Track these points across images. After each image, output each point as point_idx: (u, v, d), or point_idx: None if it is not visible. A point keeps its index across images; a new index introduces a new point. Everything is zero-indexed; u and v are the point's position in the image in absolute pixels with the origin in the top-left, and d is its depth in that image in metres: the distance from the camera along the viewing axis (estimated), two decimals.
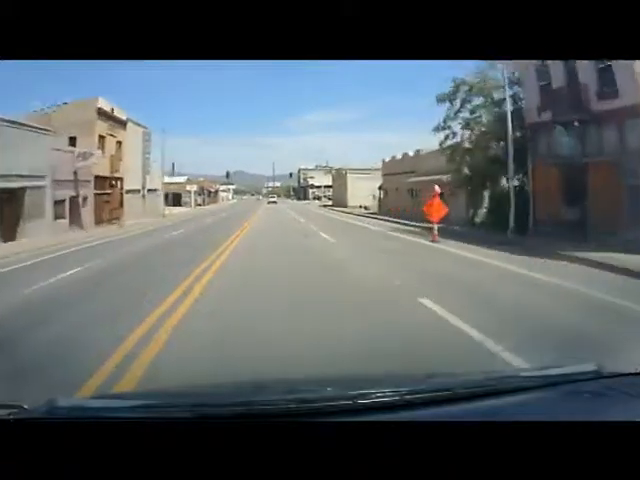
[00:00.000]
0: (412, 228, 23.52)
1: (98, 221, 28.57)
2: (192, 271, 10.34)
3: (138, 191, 37.97)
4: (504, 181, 21.28)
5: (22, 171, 19.95)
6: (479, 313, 6.64)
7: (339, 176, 65.43)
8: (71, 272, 10.75)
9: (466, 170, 22.90)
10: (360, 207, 49.07)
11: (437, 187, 18.63)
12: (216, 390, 2.11)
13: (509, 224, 18.03)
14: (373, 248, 15.61)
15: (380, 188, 43.88)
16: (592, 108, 15.39)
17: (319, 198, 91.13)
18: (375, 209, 43.64)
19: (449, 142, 23.25)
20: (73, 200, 25.64)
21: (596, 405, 1.67)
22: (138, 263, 12.80)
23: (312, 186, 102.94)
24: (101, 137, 30.43)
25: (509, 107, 18.55)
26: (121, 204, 34.05)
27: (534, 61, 17.11)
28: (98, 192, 29.45)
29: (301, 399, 1.63)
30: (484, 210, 23.35)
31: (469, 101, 21.87)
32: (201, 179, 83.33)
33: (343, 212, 44.21)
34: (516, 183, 19.79)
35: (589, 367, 1.85)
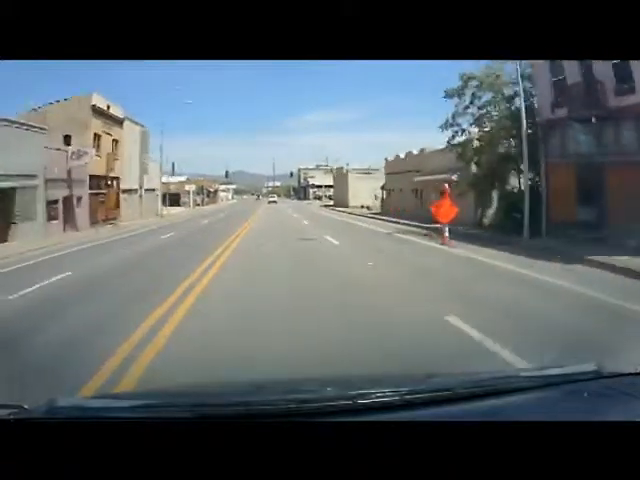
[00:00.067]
0: (419, 229, 22.52)
1: (93, 222, 27.83)
2: (180, 283, 9.03)
3: (135, 191, 37.37)
4: (515, 180, 20.64)
5: (13, 171, 19.28)
6: (541, 346, 4.89)
7: (340, 176, 64.75)
8: (52, 280, 9.83)
9: (475, 168, 22.06)
10: (362, 207, 48.41)
11: (447, 186, 17.70)
12: (216, 390, 2.11)
13: (523, 226, 16.86)
14: (383, 253, 14.39)
15: (383, 188, 43.19)
16: (609, 104, 14.63)
17: (320, 198, 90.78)
18: (377, 209, 42.84)
19: (458, 139, 22.23)
20: (67, 200, 24.99)
21: (596, 405, 1.67)
22: (123, 271, 11.52)
23: (312, 186, 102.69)
24: (96, 135, 29.71)
25: (522, 102, 17.66)
26: (117, 204, 33.41)
27: None
28: (93, 192, 28.81)
29: (301, 399, 1.63)
30: (494, 210, 22.31)
31: (479, 97, 20.87)
32: (200, 179, 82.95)
33: (345, 212, 43.48)
34: (528, 182, 18.95)
35: (589, 367, 1.85)
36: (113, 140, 32.74)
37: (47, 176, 22.54)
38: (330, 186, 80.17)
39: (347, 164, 68.14)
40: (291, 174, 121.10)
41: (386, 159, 43.19)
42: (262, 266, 11.80)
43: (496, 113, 20.64)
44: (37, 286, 9.19)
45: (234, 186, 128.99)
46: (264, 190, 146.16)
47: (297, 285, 9.19)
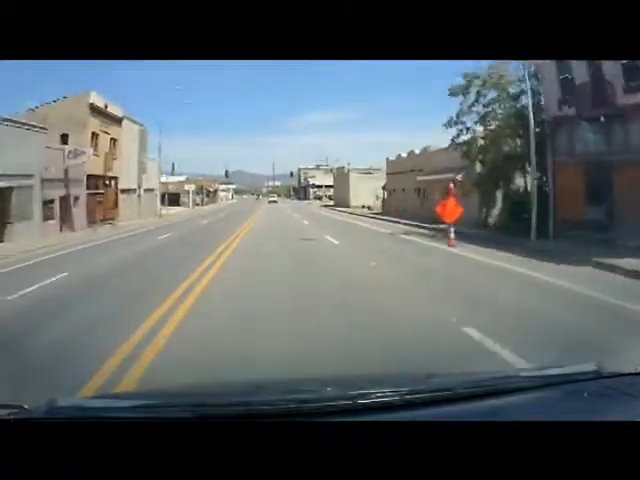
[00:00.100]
0: (422, 230, 22.11)
1: (91, 222, 27.40)
2: (178, 285, 8.81)
3: (134, 191, 36.93)
4: (520, 180, 20.28)
5: (9, 170, 18.96)
6: (543, 347, 4.73)
7: (341, 175, 64.18)
8: (40, 285, 9.37)
9: (479, 167, 21.59)
10: (363, 207, 47.93)
11: (452, 185, 17.22)
12: (216, 390, 2.11)
13: (531, 226, 16.38)
14: (387, 255, 13.94)
15: (384, 188, 42.66)
16: (618, 102, 14.23)
17: (320, 198, 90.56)
18: (379, 209, 42.27)
19: (463, 137, 21.68)
20: (64, 200, 24.62)
21: (596, 405, 1.67)
22: (120, 272, 11.26)
23: (313, 185, 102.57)
24: (94, 134, 29.31)
25: (530, 100, 17.22)
26: (115, 204, 32.96)
27: None
28: (91, 192, 28.43)
29: (301, 399, 1.63)
30: (498, 211, 21.81)
31: (483, 95, 20.31)
32: (200, 179, 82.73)
33: (346, 212, 43.03)
34: (535, 182, 18.40)
35: (589, 367, 1.85)
36: (111, 139, 32.36)
37: (44, 175, 22.25)
38: (330, 186, 79.88)
39: (349, 164, 67.75)
40: (291, 174, 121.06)
41: (387, 159, 42.64)
42: (262, 266, 11.79)
43: (501, 111, 20.17)
44: (36, 286, 9.15)
45: (234, 186, 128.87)
46: (264, 190, 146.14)
47: (297, 285, 9.13)
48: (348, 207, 50.23)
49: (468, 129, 21.33)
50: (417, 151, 34.39)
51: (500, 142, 19.96)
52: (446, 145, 28.08)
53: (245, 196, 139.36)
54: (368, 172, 56.21)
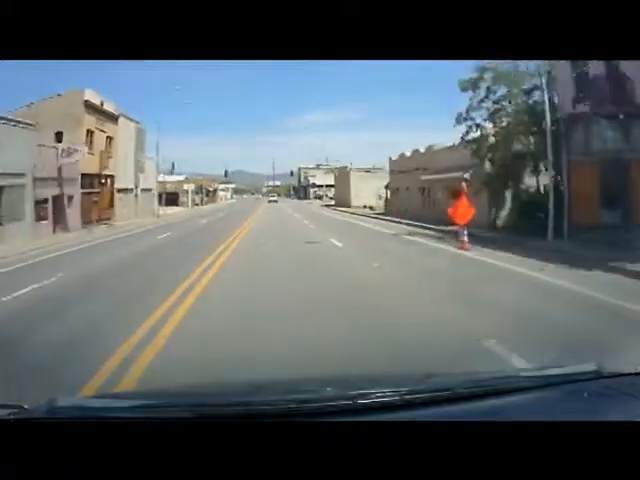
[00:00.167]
0: (429, 231, 21.24)
1: (86, 222, 26.48)
2: (174, 290, 8.34)
3: (131, 190, 36.07)
4: (531, 179, 19.61)
5: None
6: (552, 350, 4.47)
7: (342, 175, 63.30)
8: (33, 287, 9.12)
9: (489, 166, 20.67)
10: (364, 207, 47.07)
11: (465, 185, 16.34)
12: (216, 390, 2.11)
13: (547, 228, 15.68)
14: (394, 258, 13.20)
15: (387, 187, 41.73)
16: (636, 99, 13.62)
17: (320, 197, 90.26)
18: (381, 209, 41.35)
19: (472, 135, 20.67)
20: (57, 200, 23.74)
21: (596, 405, 1.67)
22: (114, 274, 10.89)
23: (313, 185, 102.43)
24: (89, 132, 28.54)
25: (546, 96, 16.51)
26: (111, 204, 32.12)
27: None
28: (86, 191, 27.64)
29: (301, 399, 1.64)
30: (510, 211, 20.85)
31: (494, 92, 19.35)
32: (199, 178, 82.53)
33: (347, 212, 42.25)
34: (547, 182, 17.90)
35: (589, 367, 1.85)
36: (107, 137, 31.52)
37: (36, 174, 21.46)
38: (331, 185, 79.52)
39: (350, 163, 67.25)
40: (291, 173, 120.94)
41: (390, 158, 41.49)
42: (262, 266, 11.77)
43: (513, 107, 19.22)
44: (29, 288, 9.04)
45: (233, 185, 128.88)
46: (264, 189, 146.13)
47: (298, 288, 8.94)
48: (349, 207, 49.49)
49: (478, 126, 20.38)
50: (422, 149, 33.42)
51: (512, 140, 19.05)
52: (448, 144, 27.36)
53: (245, 196, 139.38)
54: (370, 171, 55.47)
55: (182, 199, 63.08)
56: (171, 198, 58.74)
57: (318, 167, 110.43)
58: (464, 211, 15.36)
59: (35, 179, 21.47)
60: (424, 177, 29.99)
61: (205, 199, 76.59)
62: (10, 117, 21.10)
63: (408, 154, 36.53)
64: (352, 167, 61.69)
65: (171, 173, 67.19)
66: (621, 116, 14.14)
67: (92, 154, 28.42)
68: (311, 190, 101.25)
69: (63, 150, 24.38)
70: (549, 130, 16.09)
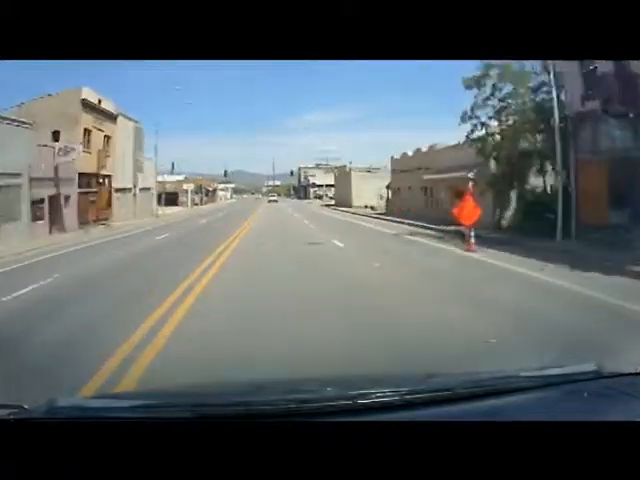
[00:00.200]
0: (432, 232, 20.74)
1: (83, 222, 26.10)
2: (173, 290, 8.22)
3: (129, 190, 35.73)
4: (536, 179, 19.24)
5: None
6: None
7: (343, 174, 62.70)
8: (33, 287, 9.11)
9: (493, 166, 20.21)
10: (365, 207, 46.46)
11: (471, 185, 15.81)
12: (216, 390, 2.11)
13: (557, 228, 15.25)
14: (395, 259, 12.87)
15: (388, 187, 41.21)
16: None
17: (320, 197, 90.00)
18: (382, 209, 40.92)
19: (477, 133, 20.11)
20: (53, 200, 23.34)
21: (596, 405, 1.67)
22: (111, 275, 10.77)
23: (313, 185, 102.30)
24: (86, 131, 28.16)
25: (555, 93, 15.95)
26: (109, 204, 31.72)
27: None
28: (83, 191, 27.22)
29: (301, 399, 1.64)
30: (515, 211, 20.35)
31: (499, 89, 18.83)
32: (199, 178, 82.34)
33: (348, 212, 41.68)
34: (553, 181, 17.63)
35: (589, 367, 1.85)
36: (105, 136, 31.14)
37: (32, 174, 21.10)
38: (331, 185, 79.21)
39: (350, 162, 66.71)
40: (291, 173, 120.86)
41: (392, 157, 40.85)
42: (262, 265, 11.76)
43: (519, 105, 18.60)
44: (30, 288, 9.03)
45: (233, 185, 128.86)
46: (264, 189, 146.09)
47: (299, 289, 8.85)
48: (350, 207, 49.00)
49: (483, 124, 19.84)
50: (424, 149, 33.02)
51: (518, 138, 18.53)
52: (450, 143, 27.18)
53: (245, 195, 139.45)
54: (371, 171, 54.97)
55: (181, 199, 62.79)
56: (170, 198, 58.44)
57: (318, 167, 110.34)
58: (470, 211, 14.86)
59: (31, 179, 21.15)
60: (426, 177, 29.50)
61: (204, 199, 76.29)
62: (5, 116, 20.88)
63: (410, 153, 36.08)
64: (352, 167, 61.04)
65: (171, 173, 67.10)
66: (631, 115, 13.82)
67: (89, 153, 28.12)
68: (311, 190, 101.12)
69: (60, 149, 24.07)
70: (557, 128, 15.67)
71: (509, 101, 18.95)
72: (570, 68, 16.13)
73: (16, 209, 20.27)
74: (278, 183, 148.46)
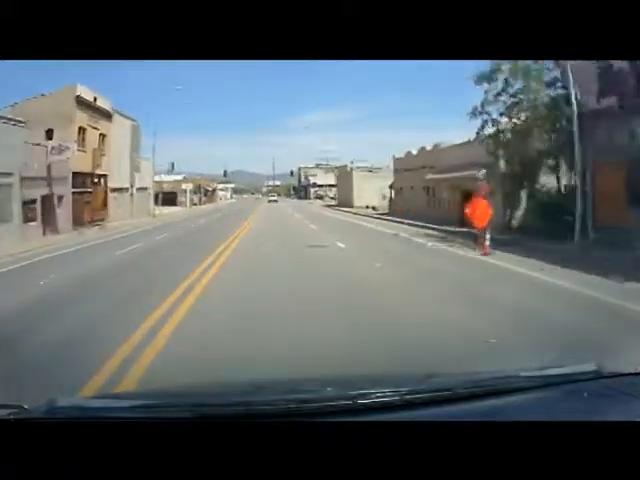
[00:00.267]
0: (439, 233, 19.92)
1: (77, 223, 25.37)
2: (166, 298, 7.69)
3: (126, 189, 35.10)
4: (547, 178, 18.46)
5: None
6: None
7: (344, 174, 61.78)
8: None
9: (504, 164, 19.37)
10: (367, 207, 45.55)
11: (484, 184, 15.13)
12: (216, 390, 2.11)
13: (574, 230, 14.48)
14: (410, 266, 11.60)
15: (391, 187, 40.41)
16: None
17: (321, 197, 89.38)
18: (384, 209, 40.02)
19: (487, 130, 19.14)
20: (46, 200, 22.62)
21: (596, 405, 1.67)
22: (111, 275, 10.63)
23: (314, 185, 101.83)
24: (81, 129, 27.54)
25: (571, 87, 15.10)
26: (105, 204, 31.09)
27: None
28: (77, 190, 26.47)
29: (301, 399, 1.64)
30: (526, 212, 19.47)
31: (511, 85, 17.91)
32: (198, 177, 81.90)
33: (350, 213, 40.71)
34: (566, 181, 16.97)
35: (589, 367, 1.85)
36: (100, 135, 30.45)
37: (24, 173, 20.40)
38: (332, 185, 78.84)
39: (352, 162, 66.02)
40: (291, 173, 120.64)
41: (394, 156, 40.01)
42: (262, 267, 11.75)
43: (531, 100, 17.61)
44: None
45: (233, 185, 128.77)
46: (264, 189, 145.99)
47: (299, 289, 8.78)
48: (352, 207, 48.22)
49: (494, 121, 18.86)
50: (429, 147, 31.93)
51: (531, 135, 17.66)
52: (452, 142, 26.69)
53: (245, 195, 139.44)
54: (372, 171, 54.26)
55: (180, 199, 62.43)
56: (169, 198, 58.07)
57: (318, 167, 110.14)
58: (482, 212, 13.95)
59: (23, 178, 20.49)
60: (431, 176, 28.49)
61: (204, 199, 75.78)
62: None
63: (414, 152, 35.06)
64: (354, 166, 60.30)
65: (171, 173, 66.89)
66: None
67: (84, 152, 27.45)
68: (311, 190, 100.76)
69: (53, 148, 23.41)
70: (576, 123, 14.81)
71: (521, 97, 18.00)
72: (584, 63, 14.85)
73: (7, 210, 19.66)
74: (278, 183, 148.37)
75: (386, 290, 8.63)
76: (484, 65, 17.89)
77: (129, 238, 20.80)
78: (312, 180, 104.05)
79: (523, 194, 19.74)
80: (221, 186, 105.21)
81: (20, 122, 21.47)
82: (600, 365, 1.85)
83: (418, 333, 5.81)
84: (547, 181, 18.84)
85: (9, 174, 19.57)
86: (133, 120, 37.53)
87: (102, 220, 29.39)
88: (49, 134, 24.64)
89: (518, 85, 17.94)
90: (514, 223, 19.79)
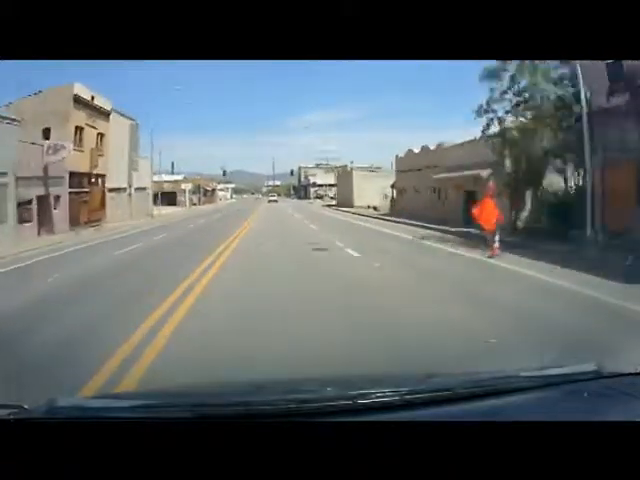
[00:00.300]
0: (444, 234, 19.30)
1: (74, 224, 24.93)
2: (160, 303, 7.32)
3: (124, 189, 34.57)
4: (554, 178, 17.96)
5: None
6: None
7: (344, 174, 61.52)
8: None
9: (510, 164, 18.67)
10: (368, 207, 44.82)
11: (492, 184, 14.47)
12: (216, 390, 2.11)
13: (585, 232, 13.92)
14: (423, 273, 10.75)
15: (393, 186, 39.84)
16: None
17: (321, 197, 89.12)
18: (386, 210, 39.34)
19: (493, 129, 18.46)
20: (42, 200, 22.22)
21: (596, 405, 1.67)
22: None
23: (314, 185, 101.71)
24: (78, 128, 27.06)
25: (581, 84, 14.65)
26: (102, 204, 30.54)
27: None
28: (74, 190, 26.03)
29: (301, 399, 1.64)
30: (532, 212, 19.05)
31: (518, 82, 17.33)
32: (197, 177, 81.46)
33: (350, 213, 40.32)
34: (574, 181, 16.54)
35: (589, 367, 1.85)
36: (98, 134, 29.99)
37: (19, 173, 19.92)
38: (332, 185, 78.69)
39: (352, 162, 65.79)
40: (291, 172, 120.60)
41: (397, 155, 39.36)
42: (262, 268, 11.74)
43: (539, 98, 16.99)
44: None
45: (233, 185, 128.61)
46: (264, 189, 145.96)
47: (299, 289, 8.75)
48: (352, 207, 47.66)
49: (500, 119, 18.20)
50: (432, 146, 31.38)
51: (541, 134, 16.96)
52: (454, 142, 26.28)
53: (245, 195, 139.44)
54: (373, 170, 53.94)
55: (179, 199, 62.01)
56: (168, 198, 57.71)
57: (318, 166, 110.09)
58: (490, 213, 13.46)
59: (18, 178, 20.03)
60: (436, 176, 27.77)
61: (203, 199, 75.22)
62: None
63: (416, 151, 34.46)
64: (354, 166, 60.14)
65: (171, 173, 66.70)
66: None
67: (81, 151, 27.04)
68: (312, 190, 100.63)
69: (49, 147, 22.96)
70: (585, 121, 14.36)
71: (526, 95, 17.40)
72: (594, 61, 14.50)
73: (2, 211, 19.27)
74: (278, 183, 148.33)
75: (386, 290, 8.64)
76: (489, 62, 17.25)
77: (127, 239, 20.42)
78: (312, 180, 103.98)
79: (529, 194, 19.20)
80: (221, 186, 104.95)
81: (14, 120, 20.94)
82: (600, 365, 1.85)
83: (421, 333, 5.80)
84: (553, 181, 18.40)
85: (3, 174, 19.27)
86: (131, 119, 36.99)
87: (99, 221, 28.86)
88: (46, 133, 24.22)
89: (525, 82, 17.31)
90: (519, 224, 19.12)
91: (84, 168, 27.74)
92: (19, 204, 20.37)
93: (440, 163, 28.17)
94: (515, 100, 17.76)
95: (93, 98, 29.13)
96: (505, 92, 17.70)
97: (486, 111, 18.26)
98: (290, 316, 6.63)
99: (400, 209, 34.27)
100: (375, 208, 43.78)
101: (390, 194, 41.72)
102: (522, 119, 17.89)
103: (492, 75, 17.62)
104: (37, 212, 21.93)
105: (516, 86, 17.50)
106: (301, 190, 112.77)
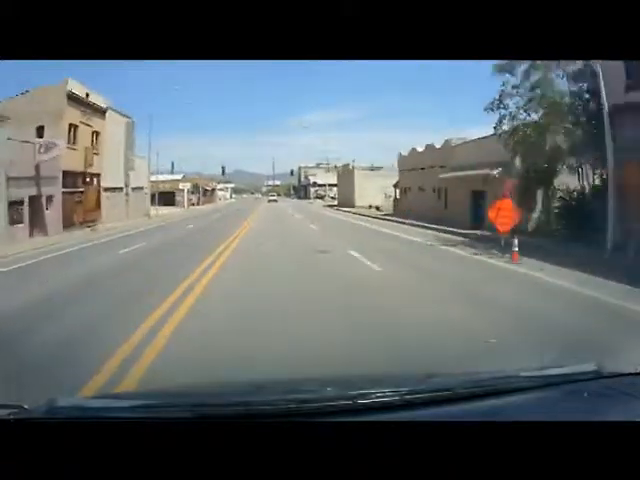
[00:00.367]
0: (453, 236, 18.63)
1: (68, 224, 24.22)
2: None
3: (120, 189, 33.61)
4: (567, 178, 17.31)
5: None
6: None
7: (345, 173, 60.44)
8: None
9: (520, 162, 18.02)
10: (370, 207, 44.27)
11: (510, 184, 13.79)
12: (216, 390, 2.11)
13: (606, 234, 13.04)
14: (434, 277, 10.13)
15: (396, 186, 38.91)
16: None
17: (322, 197, 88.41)
18: (388, 210, 38.71)
19: (505, 126, 17.63)
20: (34, 200, 21.48)
21: (596, 405, 1.67)
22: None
23: (314, 184, 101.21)
24: (72, 126, 26.13)
25: (600, 79, 13.78)
26: (98, 204, 29.61)
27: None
28: (68, 190, 25.18)
29: (301, 399, 1.64)
30: (542, 214, 18.29)
31: (528, 77, 16.71)
32: (196, 177, 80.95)
33: (351, 213, 39.75)
34: (590, 180, 16.01)
35: (589, 367, 1.86)
36: (93, 132, 29.02)
37: (9, 173, 19.24)
38: (333, 185, 78.02)
39: (353, 161, 65.17)
40: (291, 172, 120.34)
41: (400, 153, 38.08)
42: (262, 268, 11.72)
43: (553, 93, 16.40)
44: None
45: (232, 185, 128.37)
46: (264, 189, 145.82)
47: (299, 290, 8.73)
48: (353, 207, 46.98)
49: (512, 115, 17.37)
50: (437, 145, 29.97)
51: (553, 131, 16.25)
52: (458, 139, 25.63)
53: (245, 195, 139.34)
54: (374, 169, 53.30)
55: (178, 199, 61.28)
56: (167, 198, 56.77)
57: (318, 166, 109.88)
58: (507, 216, 12.63)
59: (8, 178, 19.30)
60: (442, 175, 26.46)
61: (202, 199, 74.26)
62: None
63: (420, 150, 33.08)
64: (355, 165, 58.92)
65: (171, 172, 66.42)
66: None
67: (75, 150, 26.22)
68: (312, 189, 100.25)
69: (41, 146, 21.99)
70: (606, 119, 13.45)
71: (538, 91, 16.75)
72: None
73: None
74: (278, 183, 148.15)
75: (387, 291, 8.64)
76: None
77: (125, 239, 19.77)
78: (312, 179, 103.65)
79: (542, 194, 18.29)
80: (220, 186, 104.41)
81: (3, 117, 20.23)
82: (600, 365, 1.85)
83: (421, 333, 5.77)
84: (566, 180, 17.53)
85: None
86: (128, 117, 36.09)
87: (95, 221, 27.92)
88: (39, 132, 23.23)
89: (538, 77, 16.74)
90: (532, 225, 18.13)
91: (78, 167, 26.86)
92: (10, 204, 19.77)
93: (447, 162, 26.87)
94: (528, 96, 17.05)
95: (88, 95, 28.31)
96: (517, 87, 17.01)
97: (498, 107, 17.41)
98: (290, 316, 6.63)
99: (404, 209, 33.27)
100: (378, 208, 43.09)
101: (392, 194, 41.16)
102: (535, 116, 17.16)
103: (504, 69, 16.97)
104: (29, 213, 21.26)
105: (527, 82, 16.91)
106: (301, 190, 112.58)
